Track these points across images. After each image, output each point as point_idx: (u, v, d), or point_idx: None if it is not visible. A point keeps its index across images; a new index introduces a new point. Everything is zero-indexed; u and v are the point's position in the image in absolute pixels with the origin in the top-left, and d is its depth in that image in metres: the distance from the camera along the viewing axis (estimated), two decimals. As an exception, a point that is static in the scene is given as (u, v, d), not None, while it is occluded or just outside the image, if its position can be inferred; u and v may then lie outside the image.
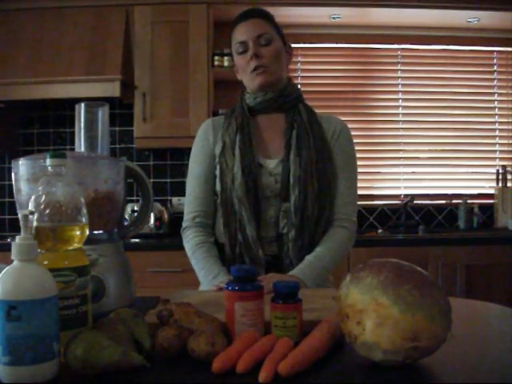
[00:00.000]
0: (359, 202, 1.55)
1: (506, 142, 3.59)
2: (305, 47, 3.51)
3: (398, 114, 3.56)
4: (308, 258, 1.38)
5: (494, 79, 3.59)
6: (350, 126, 1.56)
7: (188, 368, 0.74)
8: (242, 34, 1.46)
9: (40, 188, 0.79)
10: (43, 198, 0.77)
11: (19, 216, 0.72)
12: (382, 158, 3.54)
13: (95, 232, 0.99)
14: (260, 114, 1.51)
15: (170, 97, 3.05)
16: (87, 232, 0.81)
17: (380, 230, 3.34)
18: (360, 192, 1.55)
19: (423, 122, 3.54)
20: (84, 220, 0.80)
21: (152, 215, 3.05)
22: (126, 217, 2.85)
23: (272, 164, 1.44)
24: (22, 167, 0.97)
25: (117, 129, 3.36)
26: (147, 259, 2.73)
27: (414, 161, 3.55)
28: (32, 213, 0.76)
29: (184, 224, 1.50)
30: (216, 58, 3.11)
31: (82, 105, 1.08)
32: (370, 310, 0.70)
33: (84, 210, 0.80)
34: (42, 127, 3.39)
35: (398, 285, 0.70)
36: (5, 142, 3.28)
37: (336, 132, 1.49)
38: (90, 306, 0.80)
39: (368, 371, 0.72)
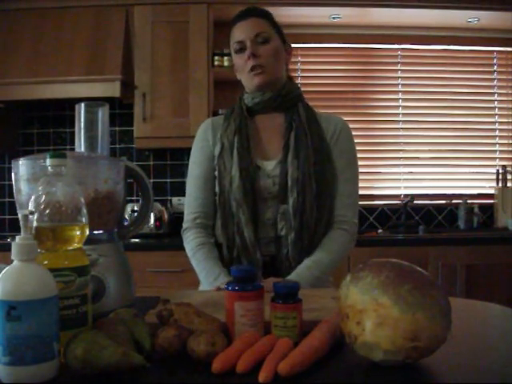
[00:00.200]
0: (359, 202, 1.54)
1: (506, 142, 3.59)
2: (305, 47, 3.51)
3: (398, 114, 3.56)
4: (306, 262, 1.37)
5: (494, 79, 3.59)
6: (350, 126, 1.53)
7: (188, 368, 0.74)
8: (239, 32, 1.45)
9: (40, 188, 0.79)
10: (43, 197, 0.77)
11: (19, 216, 0.72)
12: (382, 157, 3.54)
13: (95, 232, 0.99)
14: (259, 114, 1.50)
15: (170, 97, 3.05)
16: (87, 232, 0.81)
17: (380, 230, 3.34)
18: (360, 192, 1.53)
19: (423, 122, 3.55)
20: (84, 220, 0.80)
21: (152, 215, 3.05)
22: (126, 217, 2.85)
23: (270, 166, 1.43)
24: (22, 167, 0.97)
25: (117, 129, 3.36)
26: (147, 259, 2.73)
27: (414, 161, 3.55)
28: (32, 213, 0.76)
29: (184, 225, 1.50)
30: (216, 57, 3.11)
31: (82, 105, 1.08)
32: (370, 310, 0.70)
33: (84, 210, 0.80)
34: (42, 127, 3.39)
35: (398, 285, 0.70)
36: (5, 142, 3.28)
37: (336, 132, 1.47)
38: (90, 306, 0.80)
39: (368, 371, 0.72)
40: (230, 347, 0.75)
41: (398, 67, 3.56)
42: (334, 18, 3.34)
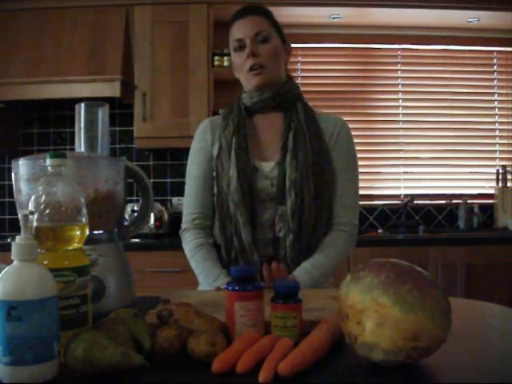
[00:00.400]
0: (359, 203, 1.53)
1: (506, 142, 3.59)
2: (305, 47, 3.51)
3: (398, 114, 3.56)
4: (305, 265, 1.35)
5: (494, 79, 3.59)
6: (349, 126, 1.51)
7: (188, 368, 0.74)
8: (239, 31, 1.42)
9: (40, 188, 0.79)
10: (43, 197, 0.77)
11: (19, 216, 0.72)
12: (382, 157, 3.54)
13: (95, 232, 0.99)
14: (257, 114, 1.48)
15: (170, 97, 3.05)
16: (87, 232, 0.81)
17: (380, 230, 3.34)
18: (360, 192, 1.51)
19: (423, 121, 3.55)
20: (84, 220, 0.80)
21: (152, 215, 3.05)
22: (126, 217, 2.85)
23: (268, 167, 1.41)
24: (22, 167, 0.97)
25: (117, 129, 3.36)
26: (147, 259, 2.73)
27: (414, 161, 3.55)
28: (32, 213, 0.76)
29: (183, 226, 1.50)
30: (216, 57, 3.11)
31: (82, 105, 1.08)
32: (370, 310, 0.70)
33: (84, 210, 0.80)
34: (42, 127, 3.39)
35: (398, 285, 0.70)
36: (5, 142, 3.28)
37: (335, 132, 1.45)
38: (90, 305, 0.80)
39: (368, 371, 0.72)
40: (230, 347, 0.75)
41: (398, 67, 3.56)
42: (333, 17, 3.34)
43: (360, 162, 1.54)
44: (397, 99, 3.56)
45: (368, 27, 3.46)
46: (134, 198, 3.10)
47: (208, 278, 1.37)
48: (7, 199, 3.36)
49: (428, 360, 0.72)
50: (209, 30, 3.06)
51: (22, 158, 0.98)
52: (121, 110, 3.31)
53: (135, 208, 2.94)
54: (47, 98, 2.96)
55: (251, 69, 1.41)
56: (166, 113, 3.04)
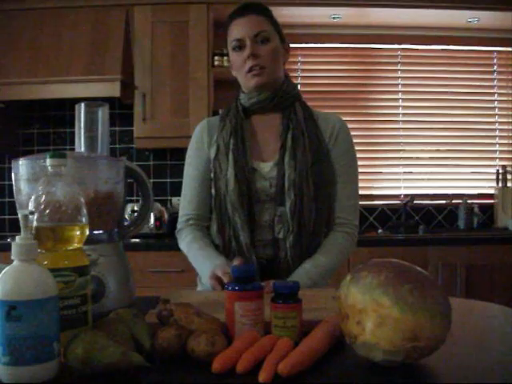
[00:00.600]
0: (359, 203, 1.52)
1: (506, 141, 3.59)
2: (305, 47, 3.51)
3: (398, 114, 3.56)
4: (305, 265, 1.35)
5: (494, 79, 3.59)
6: (349, 126, 1.51)
7: (188, 368, 0.74)
8: (238, 30, 1.40)
9: (40, 188, 0.79)
10: (43, 198, 0.77)
11: (19, 216, 0.72)
12: (382, 158, 3.54)
13: (95, 232, 0.99)
14: (255, 115, 1.46)
15: (170, 97, 3.05)
16: (87, 232, 0.81)
17: (380, 230, 3.34)
18: (360, 192, 1.50)
19: (423, 122, 3.55)
20: (84, 220, 0.80)
21: (152, 215, 3.05)
22: (126, 217, 2.85)
23: (266, 167, 1.40)
24: (22, 167, 0.98)
25: (117, 129, 3.36)
26: (147, 259, 2.73)
27: (414, 161, 3.55)
28: (32, 213, 0.76)
29: (178, 226, 1.48)
30: (216, 57, 3.11)
31: (82, 105, 1.08)
32: (370, 310, 0.70)
33: (84, 210, 0.80)
34: (42, 127, 3.39)
35: (398, 285, 0.70)
36: (5, 142, 3.28)
37: (334, 132, 1.44)
38: (90, 306, 0.80)
39: (368, 371, 0.72)
40: (230, 347, 0.75)
41: (398, 67, 3.56)
42: (333, 17, 3.34)
43: (360, 162, 1.53)
44: (397, 99, 3.56)
45: (368, 27, 3.46)
46: (134, 198, 3.10)
47: (206, 267, 1.33)
48: (7, 199, 3.36)
49: (428, 360, 0.72)
50: (209, 30, 3.06)
51: (21, 158, 0.98)
52: (121, 110, 3.31)
53: (135, 208, 2.94)
54: (47, 98, 2.96)
55: (251, 69, 1.39)
56: (166, 113, 3.04)
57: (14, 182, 1.00)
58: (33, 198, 0.78)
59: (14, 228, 3.33)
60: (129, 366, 0.69)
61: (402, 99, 3.56)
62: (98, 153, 1.07)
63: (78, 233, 0.79)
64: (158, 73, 3.05)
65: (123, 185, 1.06)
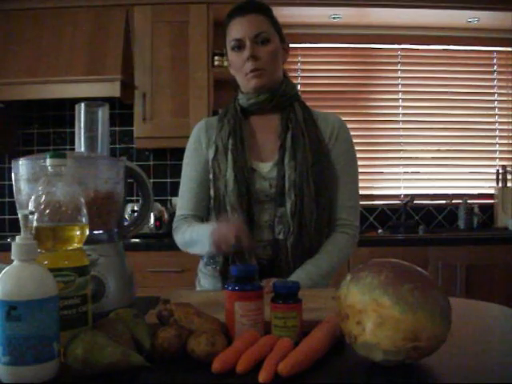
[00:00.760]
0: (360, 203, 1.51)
1: (506, 141, 3.59)
2: (305, 47, 3.51)
3: (398, 114, 3.56)
4: (306, 266, 1.34)
5: (494, 79, 3.59)
6: (349, 125, 1.50)
7: (188, 368, 0.74)
8: (238, 30, 1.38)
9: (40, 188, 0.79)
10: (43, 198, 0.78)
11: (19, 216, 0.72)
12: (382, 157, 3.54)
13: (95, 232, 0.99)
14: (254, 115, 1.45)
15: (170, 97, 3.05)
16: (87, 232, 0.81)
17: (380, 230, 3.34)
18: (360, 192, 1.50)
19: (423, 122, 3.54)
20: (84, 220, 0.80)
21: (152, 215, 3.05)
22: (126, 217, 2.85)
23: (266, 168, 1.39)
24: (22, 167, 0.98)
25: (117, 129, 3.36)
26: (147, 259, 2.73)
27: (413, 161, 3.55)
28: (32, 213, 0.76)
29: (174, 225, 1.46)
30: (216, 57, 3.11)
31: (82, 105, 1.08)
32: (370, 310, 0.70)
33: (84, 210, 0.80)
34: (42, 127, 3.38)
35: (398, 285, 0.70)
36: (5, 142, 3.28)
37: (334, 132, 1.43)
38: (90, 306, 0.80)
39: (368, 371, 0.72)
40: (230, 347, 0.75)
41: (398, 67, 3.56)
42: (333, 17, 3.34)
43: (360, 162, 1.52)
44: (397, 99, 3.56)
45: (368, 27, 3.46)
46: (134, 198, 3.10)
47: (203, 232, 1.33)
48: (7, 199, 3.36)
49: (428, 360, 0.72)
50: (209, 30, 3.06)
51: (22, 158, 0.98)
52: (121, 110, 3.31)
53: (135, 208, 2.94)
54: (47, 97, 2.96)
55: (250, 71, 1.37)
56: (166, 113, 3.04)
57: (14, 182, 1.00)
58: (33, 198, 0.78)
59: (14, 228, 3.33)
60: (129, 366, 0.69)
61: (402, 99, 3.56)
62: (98, 153, 1.07)
63: (78, 233, 0.79)
64: (157, 73, 3.05)
65: (123, 185, 1.06)
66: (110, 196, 1.01)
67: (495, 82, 3.59)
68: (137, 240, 2.90)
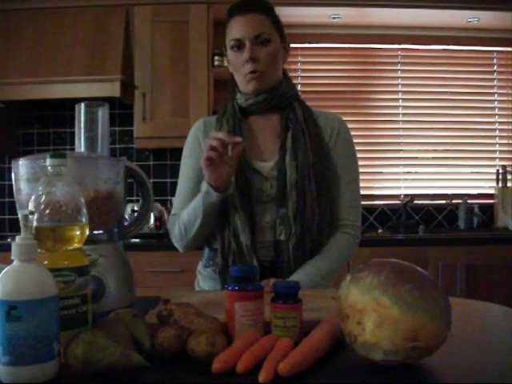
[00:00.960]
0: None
1: (506, 141, 3.59)
2: (305, 47, 3.52)
3: (398, 114, 3.56)
4: (306, 267, 1.32)
5: (494, 79, 3.59)
6: (349, 125, 1.49)
7: (188, 368, 0.74)
8: (238, 30, 1.35)
9: (40, 188, 0.79)
10: (43, 198, 0.77)
11: (19, 216, 0.72)
12: (382, 158, 3.54)
13: (95, 232, 0.99)
14: (253, 115, 1.44)
15: (170, 97, 3.05)
16: (87, 232, 0.81)
17: (380, 230, 3.34)
18: (361, 192, 1.49)
19: (423, 121, 3.55)
20: (84, 220, 0.80)
21: (152, 215, 3.05)
22: (126, 217, 2.85)
23: (267, 168, 1.37)
24: (22, 167, 0.97)
25: (117, 129, 3.36)
26: (147, 259, 2.73)
27: (414, 161, 3.55)
28: (32, 213, 0.76)
29: (168, 225, 1.45)
30: (216, 57, 3.11)
31: (82, 105, 1.08)
32: (370, 310, 0.70)
33: (84, 210, 0.80)
34: (42, 127, 3.39)
35: (397, 285, 0.70)
36: (5, 142, 3.28)
37: (334, 131, 1.42)
38: (90, 306, 0.80)
39: (368, 371, 0.72)
40: (230, 347, 0.75)
41: (398, 67, 3.56)
42: (333, 17, 3.34)
43: (360, 162, 1.51)
44: (397, 99, 3.56)
45: (368, 27, 3.46)
46: (134, 198, 3.10)
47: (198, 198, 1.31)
48: (7, 199, 3.36)
49: (428, 360, 0.72)
50: (209, 30, 3.06)
51: (22, 158, 0.98)
52: (121, 110, 3.32)
53: (135, 208, 2.94)
54: (47, 98, 2.96)
55: (249, 73, 1.35)
56: (166, 113, 3.05)
57: (14, 182, 1.00)
58: (33, 198, 0.78)
59: (14, 228, 3.33)
60: (129, 366, 0.69)
61: (402, 99, 3.56)
62: (98, 153, 1.07)
63: (78, 233, 0.79)
64: (157, 73, 3.05)
65: (123, 185, 1.06)
66: (110, 196, 1.01)
67: (495, 82, 3.59)
68: (137, 240, 2.90)
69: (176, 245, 1.44)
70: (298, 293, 0.84)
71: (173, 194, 3.33)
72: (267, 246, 1.36)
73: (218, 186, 1.27)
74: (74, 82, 2.88)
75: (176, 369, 0.74)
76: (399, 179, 3.55)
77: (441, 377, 0.72)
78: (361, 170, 1.52)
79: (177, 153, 3.31)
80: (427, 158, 3.55)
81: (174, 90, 3.05)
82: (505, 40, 3.53)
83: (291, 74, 1.56)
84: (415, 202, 3.40)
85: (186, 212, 1.36)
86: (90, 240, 0.85)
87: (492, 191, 3.51)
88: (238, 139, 1.23)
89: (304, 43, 3.49)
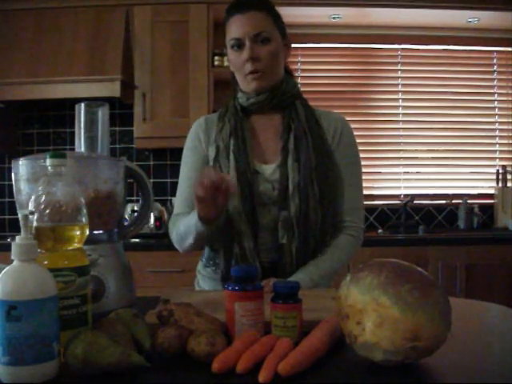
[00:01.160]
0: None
1: (506, 141, 3.59)
2: (305, 47, 3.51)
3: (398, 114, 3.56)
4: (307, 267, 1.32)
5: (494, 79, 3.59)
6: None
7: (188, 368, 0.74)
8: (237, 29, 1.33)
9: (40, 188, 0.79)
10: (43, 198, 0.77)
11: (19, 216, 0.72)
12: (382, 157, 3.54)
13: (95, 232, 0.99)
14: (254, 114, 1.42)
15: (170, 97, 3.05)
16: (87, 232, 0.81)
17: (380, 230, 3.34)
18: (363, 193, 1.47)
19: (423, 121, 3.55)
20: (84, 220, 0.80)
21: (152, 215, 3.05)
22: (126, 217, 2.85)
23: (269, 169, 1.36)
24: (22, 167, 0.97)
25: (117, 129, 3.36)
26: (147, 259, 2.73)
27: (414, 161, 3.55)
28: (32, 213, 0.76)
29: (169, 225, 1.43)
30: (216, 57, 3.11)
31: (82, 105, 1.08)
32: (370, 310, 0.70)
33: (84, 210, 0.80)
34: (42, 127, 3.39)
35: (398, 285, 0.70)
36: (5, 142, 3.28)
37: (337, 132, 1.40)
38: (90, 306, 0.80)
39: (368, 371, 0.72)
40: (230, 347, 0.75)
41: (398, 67, 3.56)
42: (334, 17, 3.34)
43: (360, 162, 1.51)
44: (397, 99, 3.56)
45: (368, 27, 3.46)
46: (134, 198, 3.10)
47: (192, 217, 1.27)
48: (7, 199, 3.36)
49: (428, 360, 0.72)
50: (209, 30, 3.06)
51: (22, 158, 0.98)
52: (121, 110, 3.32)
53: (135, 208, 2.94)
54: (47, 98, 2.96)
55: (250, 73, 1.34)
56: (166, 113, 3.05)
57: (13, 182, 1.00)
58: (33, 198, 0.78)
59: (14, 228, 3.33)
60: (129, 366, 0.69)
61: (402, 99, 3.56)
62: (98, 153, 1.07)
63: (78, 233, 0.79)
64: (157, 73, 3.05)
65: (123, 185, 1.06)
66: (110, 196, 1.01)
67: (495, 82, 3.59)
68: (137, 240, 2.90)
69: (175, 246, 1.43)
70: (297, 293, 0.84)
71: (173, 194, 3.33)
72: (269, 248, 1.34)
73: (207, 219, 1.23)
74: (74, 82, 2.88)
75: (176, 369, 0.74)
76: (399, 179, 3.55)
77: (441, 377, 0.72)
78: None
79: (177, 153, 3.31)
80: (427, 158, 3.55)
81: (173, 90, 3.05)
82: (505, 40, 3.53)
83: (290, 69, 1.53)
84: (415, 202, 3.40)
85: (182, 223, 1.35)
86: (90, 240, 0.85)
87: (492, 191, 3.51)
88: (231, 182, 1.16)
89: (304, 43, 3.49)
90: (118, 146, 3.38)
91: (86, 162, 1.01)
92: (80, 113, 1.08)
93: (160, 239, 3.00)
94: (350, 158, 1.42)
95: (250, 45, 1.33)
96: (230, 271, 0.89)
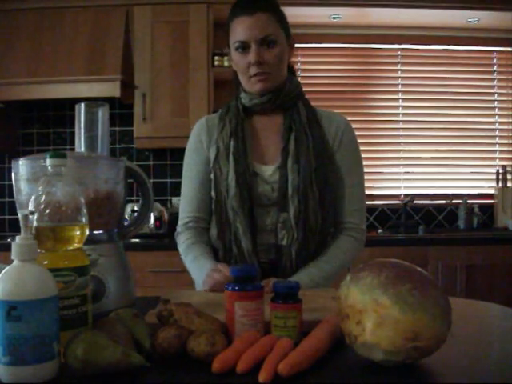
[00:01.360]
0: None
1: (506, 141, 3.59)
2: (305, 47, 3.52)
3: (398, 114, 3.56)
4: (308, 268, 1.31)
5: (494, 79, 3.59)
6: (350, 126, 1.46)
7: (188, 368, 0.74)
8: (243, 31, 1.31)
9: (40, 188, 0.79)
10: (43, 198, 0.77)
11: (19, 216, 0.72)
12: (382, 157, 3.54)
13: (95, 232, 0.99)
14: (256, 115, 1.42)
15: (170, 97, 3.05)
16: (87, 232, 0.81)
17: (380, 230, 3.34)
18: (365, 195, 1.46)
19: (423, 121, 3.55)
20: (84, 220, 0.80)
21: (152, 215, 3.05)
22: (126, 217, 2.85)
23: (268, 171, 1.35)
24: (22, 167, 0.98)
25: (117, 129, 3.36)
26: (147, 259, 2.73)
27: (413, 161, 3.55)
28: (32, 213, 0.76)
29: (178, 228, 1.44)
30: (216, 57, 3.11)
31: (82, 105, 1.08)
32: (370, 310, 0.70)
33: (84, 210, 0.80)
34: (42, 127, 3.39)
35: (398, 285, 0.70)
36: (5, 142, 3.28)
37: (339, 133, 1.39)
38: (90, 306, 0.80)
39: (368, 371, 0.72)
40: (230, 347, 0.75)
41: (398, 67, 3.57)
42: (334, 17, 3.34)
43: (361, 163, 1.50)
44: (397, 99, 3.56)
45: (368, 27, 3.47)
46: (134, 198, 3.10)
47: (201, 273, 1.29)
48: (7, 199, 3.36)
49: (428, 360, 0.72)
50: (209, 30, 3.06)
51: (22, 158, 0.98)
52: (121, 110, 3.32)
53: (135, 208, 2.94)
54: (47, 98, 2.96)
55: (255, 75, 1.33)
56: (166, 113, 3.05)
57: (14, 182, 1.00)
58: (33, 198, 0.78)
59: (14, 228, 3.33)
60: (129, 366, 0.69)
61: (402, 99, 3.56)
62: (98, 153, 1.07)
63: (78, 233, 0.79)
64: (157, 73, 3.05)
65: (123, 185, 1.06)
66: (110, 196, 1.01)
67: (495, 82, 3.59)
68: (137, 240, 2.90)
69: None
70: (297, 293, 0.84)
71: (173, 194, 3.33)
72: (268, 249, 1.34)
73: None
74: (74, 82, 2.88)
75: (176, 369, 0.74)
76: (399, 179, 3.55)
77: (441, 377, 0.72)
78: (361, 170, 1.50)
79: (177, 153, 3.32)
80: (427, 158, 3.55)
81: (173, 90, 3.05)
82: (505, 40, 3.53)
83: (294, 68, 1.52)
84: (415, 202, 3.40)
85: (188, 262, 1.37)
86: (90, 240, 0.85)
87: (492, 191, 3.51)
88: None
89: (304, 43, 3.49)
90: (117, 146, 3.38)
91: (86, 162, 1.01)
92: (80, 113, 1.08)
93: (160, 239, 3.00)
94: (352, 160, 1.41)
95: (256, 48, 1.31)
96: (230, 271, 0.89)
